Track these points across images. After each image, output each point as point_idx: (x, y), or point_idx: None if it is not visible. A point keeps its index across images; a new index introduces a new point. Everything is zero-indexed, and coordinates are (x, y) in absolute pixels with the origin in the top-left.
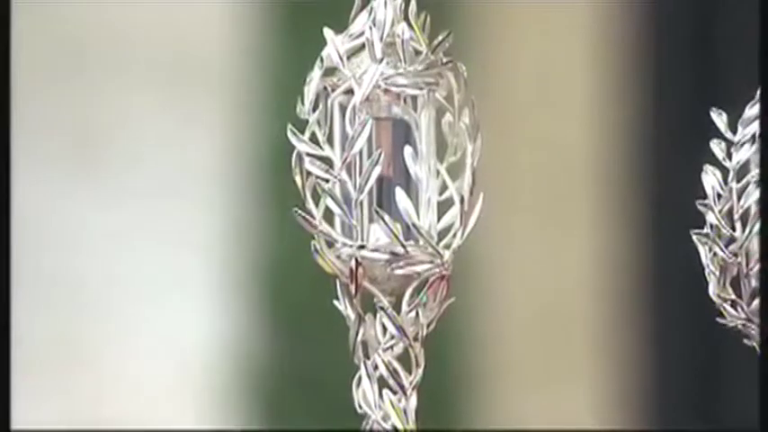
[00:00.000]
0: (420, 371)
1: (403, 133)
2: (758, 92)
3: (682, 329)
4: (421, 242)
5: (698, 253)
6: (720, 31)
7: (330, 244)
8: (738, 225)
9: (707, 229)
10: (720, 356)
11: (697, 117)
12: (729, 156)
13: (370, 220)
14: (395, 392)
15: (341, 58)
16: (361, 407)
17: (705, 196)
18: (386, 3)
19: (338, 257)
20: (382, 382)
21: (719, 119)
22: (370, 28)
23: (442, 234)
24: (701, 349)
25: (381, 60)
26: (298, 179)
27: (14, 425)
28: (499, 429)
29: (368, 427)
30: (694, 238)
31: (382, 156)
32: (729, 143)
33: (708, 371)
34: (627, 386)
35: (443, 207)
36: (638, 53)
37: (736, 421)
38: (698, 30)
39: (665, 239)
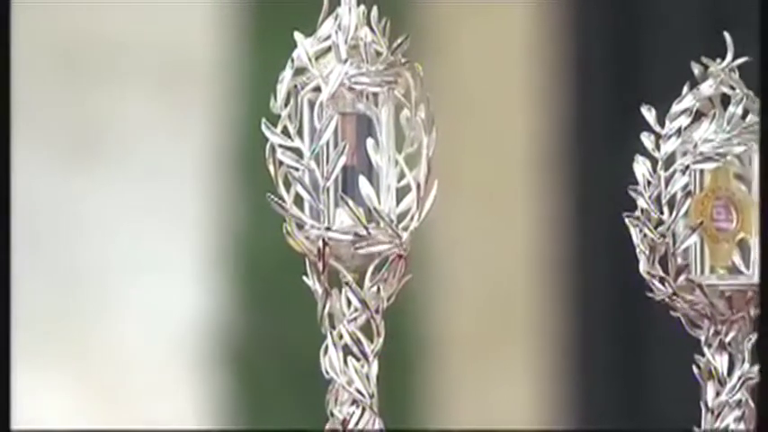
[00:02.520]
0: (381, 340)
1: (365, 127)
2: (741, 92)
3: (608, 302)
4: (381, 224)
5: (628, 236)
6: (648, 33)
7: (300, 226)
8: (666, 209)
9: (638, 213)
10: (646, 351)
11: (625, 112)
12: (658, 147)
13: (336, 205)
14: (358, 359)
15: (310, 59)
16: (327, 372)
17: (636, 183)
18: (350, 9)
19: (307, 238)
20: (347, 350)
21: (649, 114)
22: (336, 32)
23: (401, 217)
24: (627, 329)
25: (346, 61)
26: (271, 168)
27: (15, 391)
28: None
29: (334, 391)
30: (627, 220)
31: (347, 147)
32: (658, 136)
33: (634, 364)
34: (560, 357)
35: (401, 193)
36: (572, 53)
37: (663, 420)
38: (625, 31)
39: (595, 224)
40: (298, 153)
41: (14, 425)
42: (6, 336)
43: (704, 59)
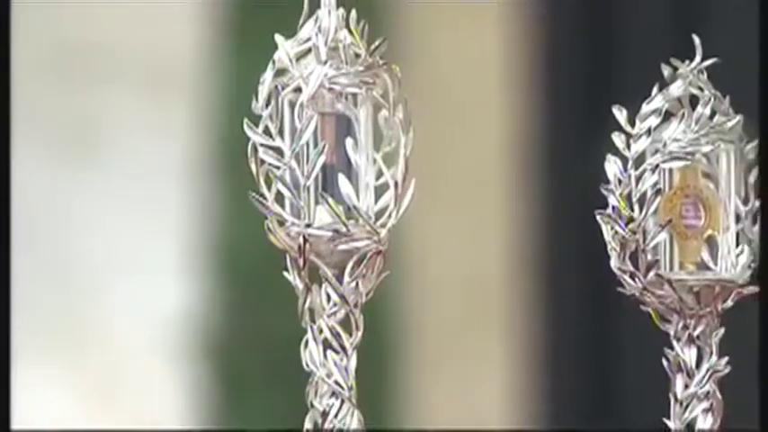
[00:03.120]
0: (359, 334)
1: (345, 126)
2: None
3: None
4: (360, 221)
5: (598, 233)
6: (619, 36)
7: (281, 223)
8: (636, 207)
9: (609, 211)
10: (615, 344)
11: (596, 113)
12: (629, 146)
13: (316, 203)
14: (337, 353)
15: (290, 61)
16: (308, 365)
17: (607, 182)
18: (330, 12)
19: (288, 235)
20: (326, 344)
21: (620, 114)
22: (316, 34)
23: (379, 214)
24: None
25: (326, 62)
26: (253, 166)
27: (15, 380)
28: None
29: (314, 383)
30: (598, 218)
31: (326, 146)
32: (629, 135)
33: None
34: (533, 349)
35: (380, 191)
36: (545, 56)
37: (632, 408)
38: (597, 34)
39: (567, 221)
40: (279, 152)
41: (13, 408)
42: (6, 337)
43: (673, 61)
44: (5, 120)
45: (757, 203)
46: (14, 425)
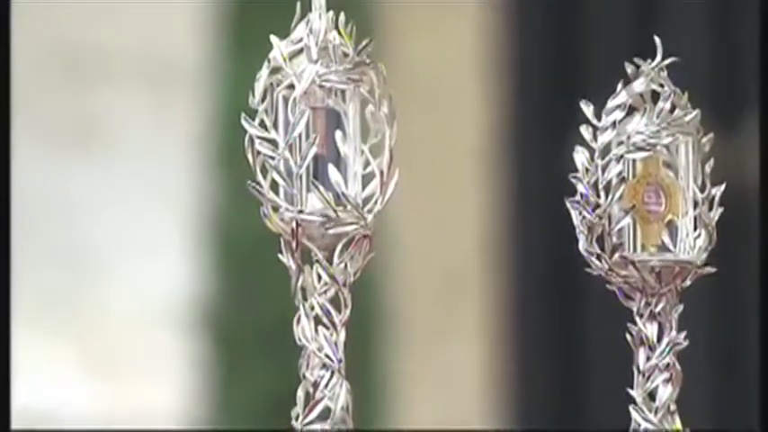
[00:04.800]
0: (348, 311)
1: (334, 120)
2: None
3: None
4: (348, 207)
5: (565, 219)
6: (585, 36)
7: (275, 209)
8: (602, 194)
9: (578, 198)
10: (579, 322)
11: (564, 108)
12: (595, 138)
13: (308, 190)
14: (327, 328)
15: (284, 60)
16: (300, 340)
17: (576, 171)
18: (320, 15)
19: (282, 220)
20: (317, 320)
21: (587, 108)
22: (308, 35)
23: (366, 201)
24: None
25: (317, 61)
26: (250, 157)
27: (23, 355)
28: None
29: (306, 356)
30: (568, 204)
31: (317, 138)
32: (595, 128)
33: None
34: (504, 322)
35: (366, 179)
36: (516, 56)
37: (598, 391)
38: (564, 34)
39: (535, 207)
40: (273, 144)
41: (17, 385)
42: (6, 338)
43: (636, 60)
44: (5, 116)
45: (713, 191)
46: (23, 398)
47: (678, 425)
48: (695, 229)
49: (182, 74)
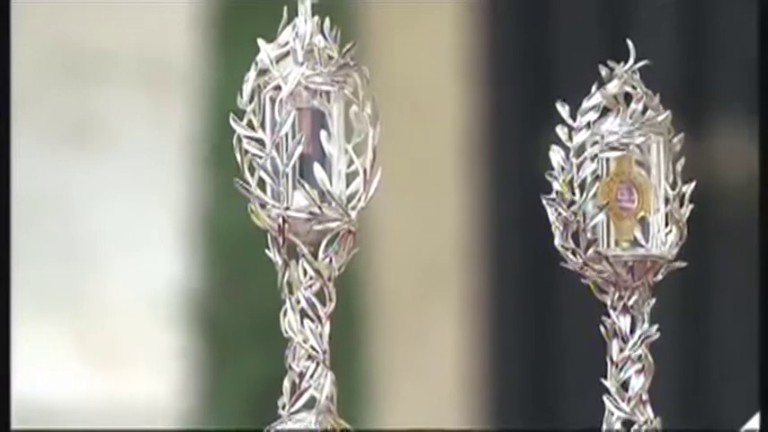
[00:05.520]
0: (332, 304)
1: (319, 120)
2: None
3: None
4: (333, 204)
5: (541, 215)
6: (562, 40)
7: (263, 206)
8: (577, 191)
9: (554, 195)
10: (552, 313)
11: (540, 109)
12: (571, 138)
13: (294, 188)
14: (313, 321)
15: (271, 62)
16: (286, 332)
17: (552, 170)
18: (306, 20)
19: (269, 216)
20: (303, 313)
21: (563, 109)
22: (294, 39)
23: (350, 198)
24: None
25: (302, 64)
26: (238, 155)
27: (22, 344)
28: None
29: (292, 348)
30: (544, 201)
31: (303, 138)
32: (571, 128)
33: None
34: (481, 313)
35: (350, 178)
36: (493, 58)
37: (575, 409)
38: (542, 39)
39: (512, 204)
40: (261, 143)
41: (18, 370)
42: (6, 339)
43: (610, 63)
44: (6, 113)
45: (684, 188)
46: (22, 384)
47: (650, 414)
48: (666, 225)
49: (176, 74)
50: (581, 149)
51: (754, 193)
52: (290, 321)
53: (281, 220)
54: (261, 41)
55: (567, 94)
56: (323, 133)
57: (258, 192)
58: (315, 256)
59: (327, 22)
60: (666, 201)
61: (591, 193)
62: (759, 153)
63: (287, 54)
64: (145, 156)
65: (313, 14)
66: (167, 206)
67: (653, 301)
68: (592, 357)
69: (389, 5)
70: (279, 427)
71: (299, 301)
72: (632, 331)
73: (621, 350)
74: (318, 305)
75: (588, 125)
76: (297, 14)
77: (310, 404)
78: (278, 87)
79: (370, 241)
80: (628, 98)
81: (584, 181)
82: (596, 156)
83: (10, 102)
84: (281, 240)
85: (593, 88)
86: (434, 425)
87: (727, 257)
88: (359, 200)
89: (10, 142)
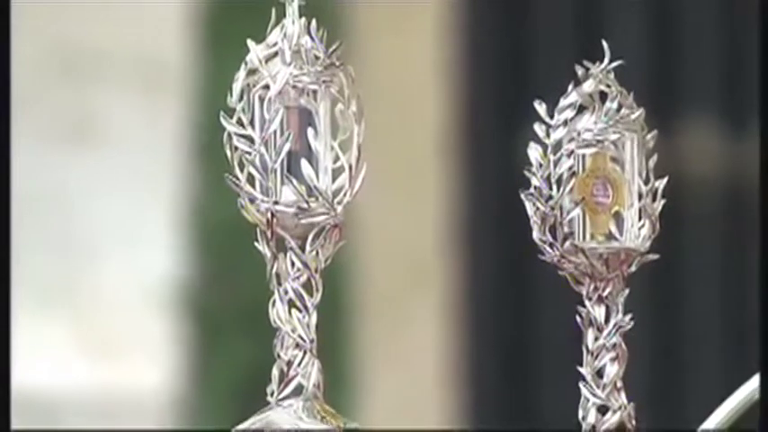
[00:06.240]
0: (319, 295)
1: (306, 118)
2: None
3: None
4: (320, 199)
5: (519, 210)
6: (540, 42)
7: (252, 200)
8: (555, 187)
9: (532, 190)
10: (530, 305)
11: (518, 107)
12: (548, 135)
13: (282, 183)
14: (300, 311)
15: (260, 62)
16: (275, 322)
17: (530, 166)
18: (294, 21)
19: (258, 211)
20: (291, 304)
21: (540, 107)
22: (282, 39)
23: (336, 193)
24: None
25: (290, 64)
26: (228, 152)
27: (21, 335)
28: None
29: (280, 337)
30: (522, 196)
31: (291, 135)
32: (548, 126)
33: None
34: (460, 305)
35: (336, 173)
36: (474, 59)
37: (552, 395)
38: (519, 39)
39: (490, 199)
40: (250, 140)
41: (17, 360)
42: (6, 336)
43: (586, 63)
44: (6, 110)
45: (656, 184)
46: (21, 374)
47: (624, 400)
48: (640, 219)
49: (169, 74)
50: (558, 146)
51: (721, 188)
52: (278, 311)
53: (269, 215)
54: (250, 42)
55: (544, 93)
56: (310, 131)
57: (248, 187)
58: (302, 248)
59: (314, 23)
60: (640, 196)
61: (567, 189)
62: (759, 153)
63: (275, 54)
64: (139, 153)
65: (300, 16)
66: (161, 202)
67: (626, 291)
68: (568, 348)
69: (374, 8)
70: (240, 427)
71: (287, 292)
72: (607, 321)
73: (597, 339)
74: (306, 296)
75: (565, 123)
76: (285, 16)
77: (298, 391)
78: (267, 86)
79: (355, 234)
80: (603, 97)
81: (560, 177)
82: (572, 152)
83: (10, 101)
84: (269, 234)
85: (570, 87)
86: (416, 414)
87: (696, 249)
88: (344, 195)
89: (10, 141)
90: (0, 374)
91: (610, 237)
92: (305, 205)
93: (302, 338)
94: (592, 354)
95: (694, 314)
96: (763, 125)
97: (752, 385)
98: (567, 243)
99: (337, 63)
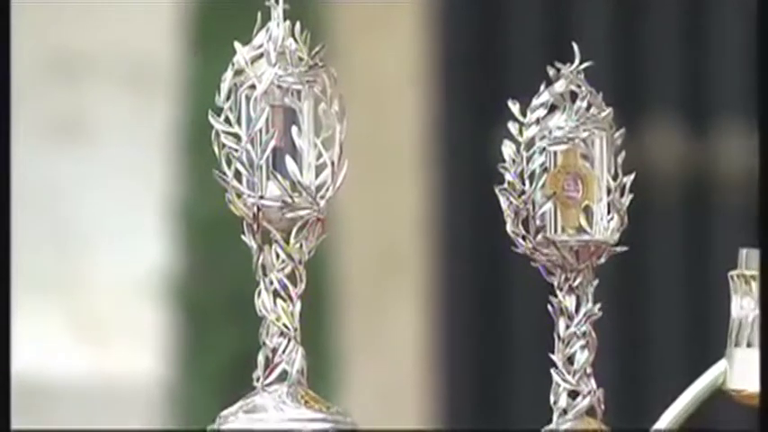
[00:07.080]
0: (303, 285)
1: (291, 117)
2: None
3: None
4: (303, 194)
5: (492, 204)
6: (513, 44)
7: (239, 195)
8: (527, 182)
9: (505, 185)
10: (504, 292)
11: (491, 106)
12: (521, 133)
13: (268, 179)
14: (285, 300)
15: (246, 63)
16: (260, 310)
17: (504, 162)
18: (278, 24)
19: (245, 205)
20: (276, 294)
21: (514, 106)
22: (267, 41)
23: (318, 188)
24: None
25: (275, 65)
26: (216, 149)
27: (17, 325)
28: None
29: (266, 325)
30: (496, 190)
31: (276, 132)
32: (521, 124)
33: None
34: (437, 292)
35: (319, 169)
36: (451, 59)
37: (524, 380)
38: (494, 42)
39: (465, 192)
40: (237, 137)
41: (14, 349)
42: (6, 340)
43: (557, 64)
44: (6, 110)
45: (624, 179)
46: (19, 361)
47: (593, 385)
48: (608, 213)
49: (158, 73)
50: (531, 143)
51: (684, 183)
52: (263, 301)
53: (255, 209)
54: (237, 44)
55: (517, 93)
56: (294, 129)
57: (235, 182)
58: (287, 241)
59: (298, 26)
60: (609, 191)
61: (539, 184)
62: (759, 153)
63: (261, 56)
64: (129, 149)
65: (285, 19)
66: (151, 196)
67: (596, 282)
68: (541, 335)
69: (356, 10)
70: (226, 411)
71: (272, 283)
72: (577, 310)
73: (567, 327)
74: (290, 286)
75: (537, 121)
76: (270, 19)
77: (282, 377)
78: (253, 86)
79: (337, 228)
80: (573, 96)
81: (533, 172)
82: (544, 149)
83: (10, 99)
84: (255, 227)
85: (542, 87)
86: (394, 399)
87: (661, 241)
88: (327, 190)
89: (10, 139)
90: (0, 375)
91: (580, 230)
92: (289, 200)
93: (286, 327)
94: (563, 341)
95: (659, 303)
96: (763, 125)
97: (707, 378)
98: (540, 236)
99: (320, 64)
